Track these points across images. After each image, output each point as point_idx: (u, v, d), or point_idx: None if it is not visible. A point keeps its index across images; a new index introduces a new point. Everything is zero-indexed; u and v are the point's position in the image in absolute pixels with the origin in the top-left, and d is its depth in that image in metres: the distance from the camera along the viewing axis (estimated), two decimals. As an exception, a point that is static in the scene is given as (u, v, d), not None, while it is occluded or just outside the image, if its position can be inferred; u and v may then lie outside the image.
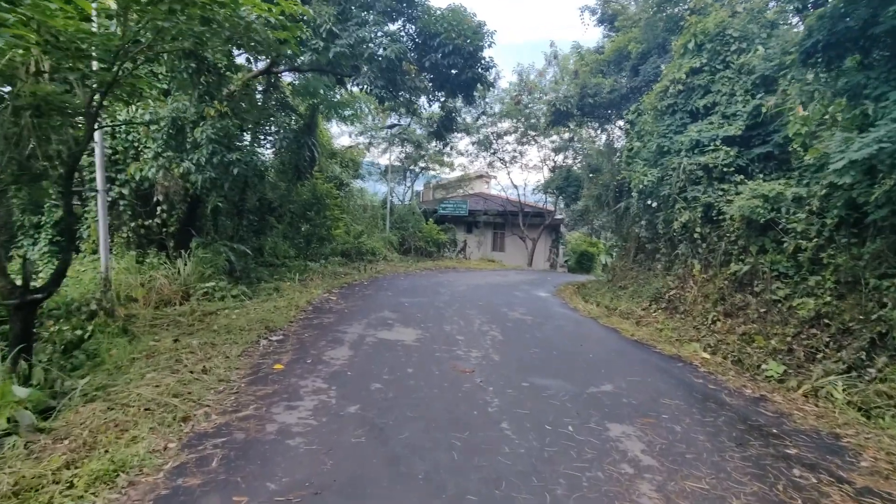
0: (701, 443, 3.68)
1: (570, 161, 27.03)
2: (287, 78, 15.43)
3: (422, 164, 31.49)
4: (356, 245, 18.08)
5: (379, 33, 9.00)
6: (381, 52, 9.19)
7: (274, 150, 15.96)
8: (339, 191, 18.38)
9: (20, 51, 4.06)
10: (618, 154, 16.64)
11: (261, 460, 3.04)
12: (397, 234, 22.09)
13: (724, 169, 8.15)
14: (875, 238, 5.51)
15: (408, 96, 10.81)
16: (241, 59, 9.78)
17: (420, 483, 2.91)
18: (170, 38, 4.98)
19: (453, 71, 11.00)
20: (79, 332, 5.76)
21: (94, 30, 4.62)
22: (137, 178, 9.16)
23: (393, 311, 8.38)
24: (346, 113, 18.43)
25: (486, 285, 13.79)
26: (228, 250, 10.28)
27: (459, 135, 27.45)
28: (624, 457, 3.39)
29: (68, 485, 2.65)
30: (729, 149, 8.15)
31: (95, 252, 8.86)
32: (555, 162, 28.37)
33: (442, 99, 12.48)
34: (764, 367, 6.22)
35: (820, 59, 5.44)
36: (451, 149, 29.98)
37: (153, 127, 8.55)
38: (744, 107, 8.29)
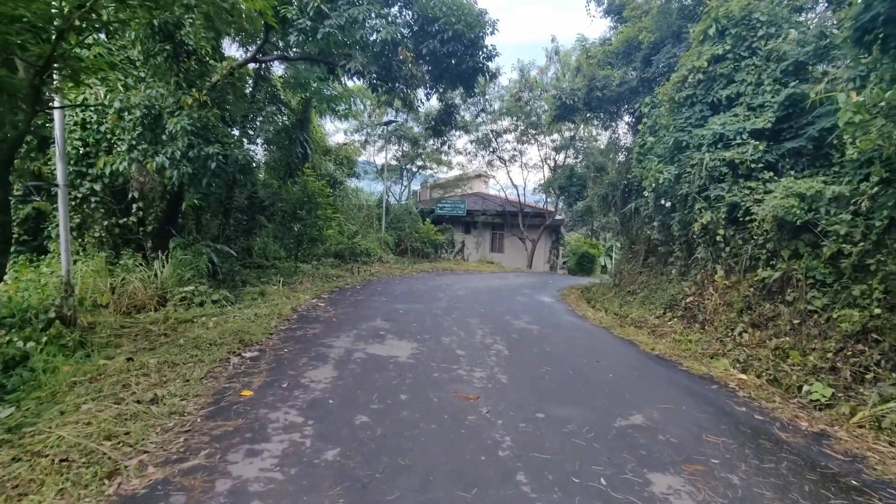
0: (770, 502, 2.92)
1: (571, 160, 26.32)
2: (278, 71, 14.65)
3: (419, 163, 30.75)
4: (350, 246, 17.31)
5: (372, 14, 8.18)
6: (374, 36, 8.40)
7: (264, 145, 15.17)
8: (333, 189, 17.58)
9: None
10: (622, 151, 15.91)
11: (199, 542, 2.26)
12: (393, 235, 21.29)
13: (752, 165, 7.39)
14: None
15: (404, 87, 9.98)
16: (231, 52, 9.00)
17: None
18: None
19: (453, 60, 10.22)
20: (30, 345, 4.98)
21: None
22: (108, 172, 8.37)
23: (386, 320, 7.59)
24: (340, 108, 17.66)
25: (486, 289, 13.02)
26: (211, 251, 9.51)
27: (458, 133, 26.70)
28: (677, 526, 2.62)
29: None
30: (757, 143, 7.39)
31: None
32: (555, 161, 27.67)
33: (441, 90, 11.66)
34: (806, 387, 5.49)
35: (881, 36, 4.69)
36: (450, 147, 29.26)
37: (128, 116, 7.74)
38: (773, 97, 7.53)
